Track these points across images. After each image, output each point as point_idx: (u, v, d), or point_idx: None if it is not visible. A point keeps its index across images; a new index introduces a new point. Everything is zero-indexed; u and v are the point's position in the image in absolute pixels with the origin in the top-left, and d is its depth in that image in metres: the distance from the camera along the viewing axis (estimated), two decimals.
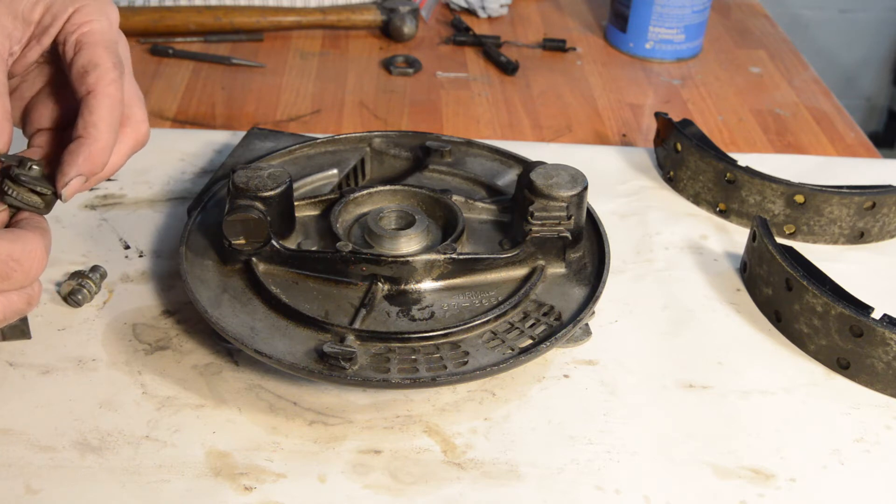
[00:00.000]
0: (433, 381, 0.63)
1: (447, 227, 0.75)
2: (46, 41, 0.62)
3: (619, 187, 0.93)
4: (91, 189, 0.87)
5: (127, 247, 0.81)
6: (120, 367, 0.68)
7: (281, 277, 0.71)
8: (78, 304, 0.73)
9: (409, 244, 0.72)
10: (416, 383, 0.63)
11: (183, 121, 1.03)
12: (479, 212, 0.77)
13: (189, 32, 1.19)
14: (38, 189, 0.58)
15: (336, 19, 1.23)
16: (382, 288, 0.70)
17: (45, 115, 0.65)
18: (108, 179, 0.89)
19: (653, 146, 0.98)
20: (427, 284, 0.71)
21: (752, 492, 0.62)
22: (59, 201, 0.59)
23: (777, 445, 0.65)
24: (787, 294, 0.73)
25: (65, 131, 0.65)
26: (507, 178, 0.83)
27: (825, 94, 1.16)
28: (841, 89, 2.35)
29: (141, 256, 0.80)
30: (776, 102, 1.14)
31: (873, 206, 0.84)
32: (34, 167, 0.58)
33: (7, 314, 0.55)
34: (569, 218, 0.71)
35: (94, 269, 0.76)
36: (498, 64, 1.18)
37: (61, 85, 0.65)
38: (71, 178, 0.58)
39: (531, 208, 0.71)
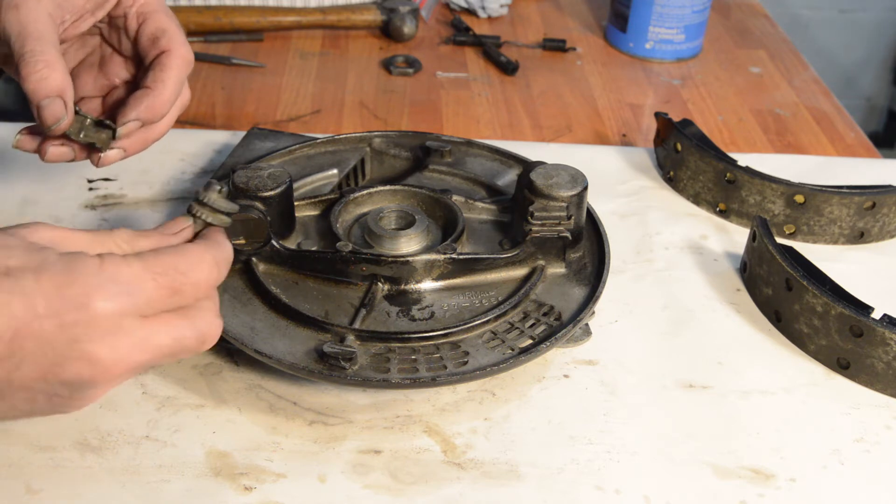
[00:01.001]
0: (433, 381, 0.63)
1: (447, 227, 0.75)
2: (100, 14, 0.66)
3: (619, 187, 0.93)
4: (90, 189, 0.87)
5: None
6: None
7: (281, 277, 0.71)
8: None
9: (409, 244, 0.72)
10: (416, 383, 0.63)
11: (183, 121, 1.03)
12: (479, 212, 0.77)
13: (189, 32, 1.19)
14: (102, 125, 0.63)
15: (336, 19, 1.23)
16: (382, 288, 0.70)
17: (90, 83, 0.70)
18: (107, 179, 0.89)
19: (653, 146, 0.98)
20: (427, 284, 0.71)
21: (752, 492, 0.62)
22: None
23: (777, 445, 0.65)
24: (787, 294, 0.73)
25: (107, 97, 0.70)
26: (507, 178, 0.83)
27: (825, 94, 1.16)
28: (841, 89, 2.35)
29: None
30: (776, 102, 1.14)
31: (873, 206, 0.84)
32: (88, 118, 0.63)
33: (175, 349, 0.50)
34: (569, 218, 0.71)
35: None
36: (498, 64, 1.18)
37: (105, 55, 0.70)
38: (130, 120, 0.63)
39: (531, 208, 0.71)
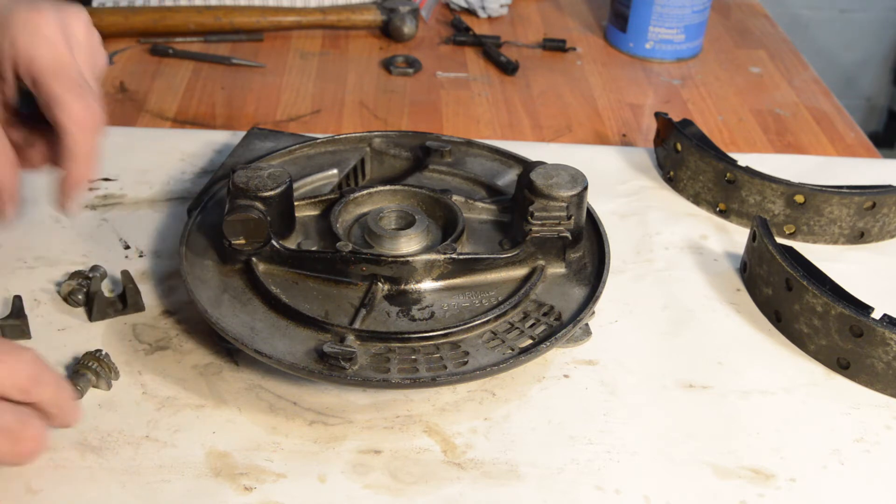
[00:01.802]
0: (433, 381, 0.63)
1: (447, 227, 0.75)
2: (10, 78, 0.63)
3: (619, 187, 0.93)
4: (90, 189, 0.87)
5: (127, 247, 0.81)
6: (120, 367, 0.68)
7: (281, 277, 0.71)
8: (78, 304, 0.73)
9: (409, 244, 0.72)
10: (416, 383, 0.63)
11: (183, 121, 1.03)
12: (479, 212, 0.77)
13: (189, 32, 1.19)
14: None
15: (336, 19, 1.23)
16: (382, 288, 0.70)
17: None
18: (107, 179, 0.89)
19: (653, 146, 0.98)
20: (427, 284, 0.71)
21: (752, 492, 0.62)
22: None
23: (777, 445, 0.65)
24: (787, 294, 0.73)
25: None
26: (507, 178, 0.83)
27: (825, 94, 1.16)
28: (841, 89, 2.35)
29: (141, 256, 0.80)
30: (776, 102, 1.14)
31: (873, 206, 0.84)
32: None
33: None
34: (569, 218, 0.71)
35: (94, 269, 0.76)
36: (498, 64, 1.18)
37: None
38: (66, 201, 0.65)
39: (531, 208, 0.71)
